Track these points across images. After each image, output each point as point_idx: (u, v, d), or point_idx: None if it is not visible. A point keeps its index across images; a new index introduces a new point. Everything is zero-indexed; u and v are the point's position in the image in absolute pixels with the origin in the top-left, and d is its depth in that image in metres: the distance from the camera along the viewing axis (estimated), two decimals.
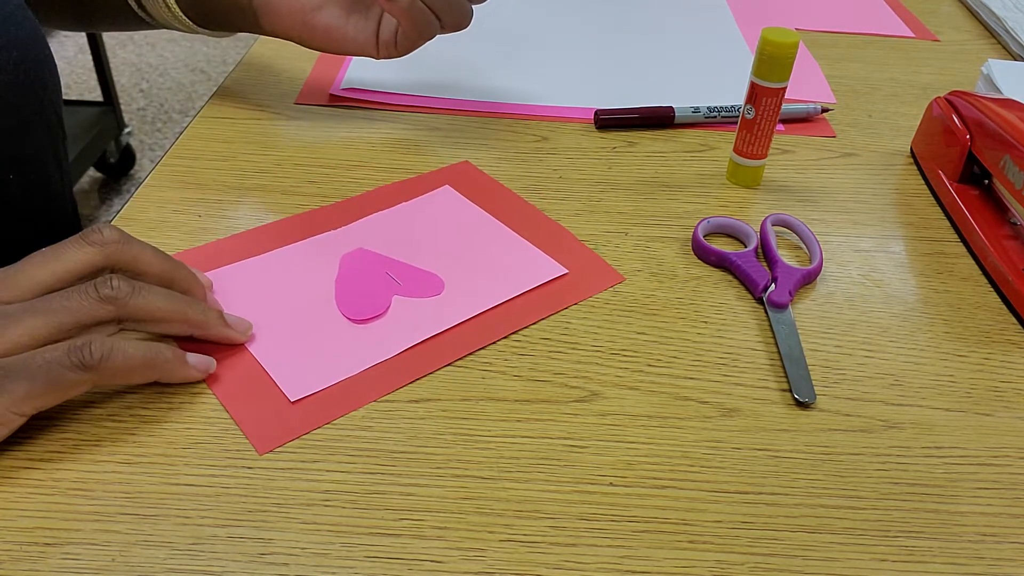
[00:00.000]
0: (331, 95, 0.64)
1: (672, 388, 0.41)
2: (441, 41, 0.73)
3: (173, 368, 0.38)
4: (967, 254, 0.51)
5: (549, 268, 0.48)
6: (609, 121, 0.62)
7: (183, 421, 0.37)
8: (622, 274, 0.48)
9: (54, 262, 0.37)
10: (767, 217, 0.51)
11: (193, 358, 0.39)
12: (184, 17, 0.56)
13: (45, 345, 0.35)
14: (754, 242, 0.50)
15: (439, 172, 0.55)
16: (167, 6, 0.55)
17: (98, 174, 2.01)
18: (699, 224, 0.51)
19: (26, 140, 0.47)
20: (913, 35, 0.82)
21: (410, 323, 0.43)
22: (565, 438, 0.38)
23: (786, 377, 0.42)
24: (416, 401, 0.39)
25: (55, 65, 0.49)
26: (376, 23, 0.55)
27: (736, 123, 0.58)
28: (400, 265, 0.47)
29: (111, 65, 1.90)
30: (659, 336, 0.44)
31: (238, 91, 0.64)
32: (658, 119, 0.62)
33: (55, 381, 0.34)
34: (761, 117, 0.54)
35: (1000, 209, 0.53)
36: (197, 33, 0.58)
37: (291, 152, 0.57)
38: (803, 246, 0.51)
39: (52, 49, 0.47)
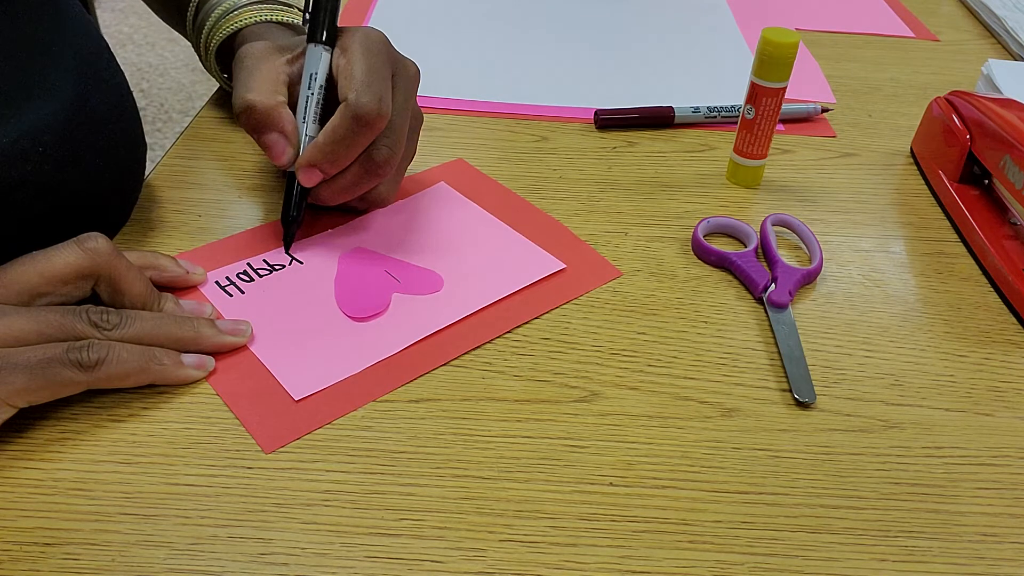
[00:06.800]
0: None
1: (672, 388, 0.41)
2: (440, 41, 0.73)
3: (169, 373, 0.38)
4: (967, 254, 0.51)
5: (547, 263, 0.48)
6: (609, 121, 0.62)
7: (183, 421, 0.37)
8: (621, 273, 0.48)
9: (43, 262, 0.37)
10: (767, 217, 0.51)
11: (189, 359, 0.39)
12: (219, 72, 0.58)
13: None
14: (754, 242, 0.50)
15: (433, 170, 0.55)
16: (208, 58, 0.57)
17: None
18: (699, 224, 0.51)
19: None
20: (913, 35, 0.82)
21: (411, 320, 0.43)
22: (565, 438, 0.38)
23: (786, 377, 0.42)
24: (416, 401, 0.39)
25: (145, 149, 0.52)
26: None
27: (736, 123, 0.58)
28: (399, 263, 0.47)
29: None
30: (659, 336, 0.44)
31: None
32: (658, 119, 0.62)
33: (52, 377, 0.35)
34: (761, 117, 0.54)
35: (1000, 209, 0.53)
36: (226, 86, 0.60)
37: None
38: (803, 246, 0.51)
39: None
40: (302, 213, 0.47)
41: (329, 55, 0.46)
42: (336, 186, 0.46)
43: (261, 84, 0.45)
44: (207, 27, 0.56)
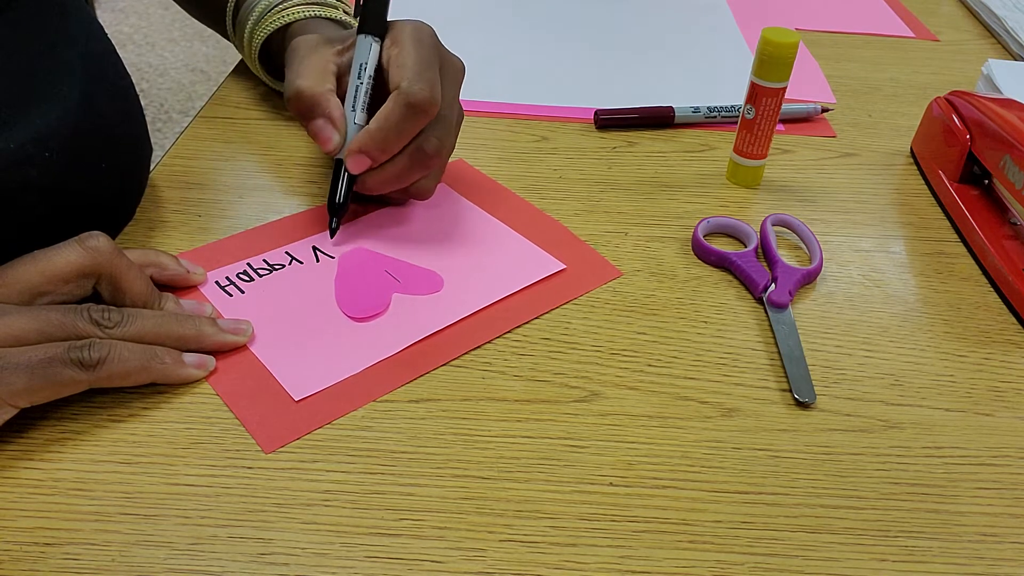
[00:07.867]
0: None
1: (672, 388, 0.41)
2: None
3: (170, 372, 0.38)
4: (967, 254, 0.51)
5: (547, 264, 0.48)
6: (609, 121, 0.62)
7: (183, 421, 0.37)
8: (621, 273, 0.48)
9: (44, 261, 0.37)
10: (767, 217, 0.51)
11: (190, 358, 0.39)
12: (261, 68, 0.59)
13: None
14: (754, 242, 0.50)
15: None
16: (251, 54, 0.58)
17: None
18: (699, 224, 0.51)
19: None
20: (913, 35, 0.82)
21: (411, 320, 0.43)
22: (565, 438, 0.38)
23: (786, 377, 0.42)
24: (416, 401, 0.39)
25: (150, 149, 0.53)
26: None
27: (736, 123, 0.58)
28: (399, 263, 0.47)
29: None
30: (659, 336, 0.44)
31: (238, 91, 0.64)
32: (658, 119, 0.62)
33: (53, 377, 0.35)
34: (761, 117, 0.54)
35: (1000, 209, 0.53)
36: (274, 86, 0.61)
37: (291, 152, 0.57)
38: (803, 246, 0.51)
39: None
40: (348, 201, 0.48)
41: (379, 46, 0.47)
42: (384, 175, 0.47)
43: (310, 72, 0.46)
44: (249, 24, 0.56)
